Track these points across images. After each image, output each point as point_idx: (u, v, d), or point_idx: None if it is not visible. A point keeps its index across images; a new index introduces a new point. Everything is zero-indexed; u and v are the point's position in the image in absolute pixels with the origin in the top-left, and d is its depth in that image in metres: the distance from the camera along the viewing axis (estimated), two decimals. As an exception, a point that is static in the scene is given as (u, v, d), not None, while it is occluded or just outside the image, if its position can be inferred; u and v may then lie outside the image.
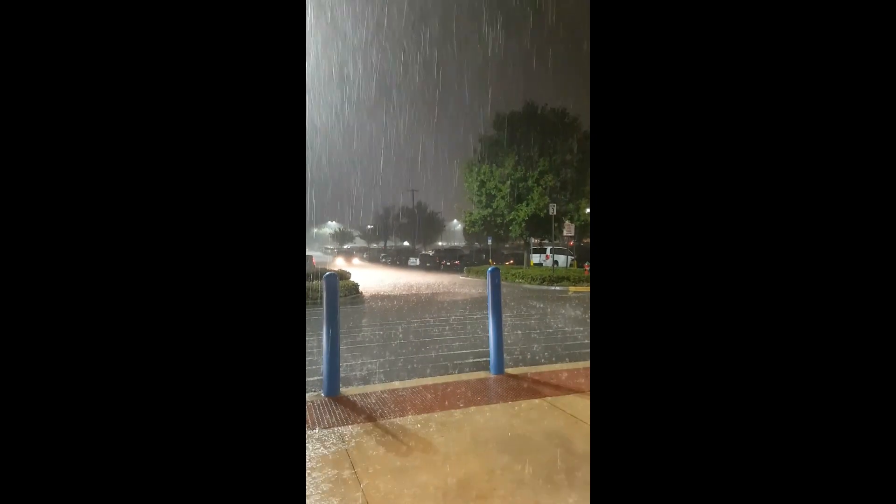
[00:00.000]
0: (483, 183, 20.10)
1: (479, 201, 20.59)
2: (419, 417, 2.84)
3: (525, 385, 3.47)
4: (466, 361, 4.80)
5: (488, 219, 20.35)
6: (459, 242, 56.28)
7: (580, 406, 3.00)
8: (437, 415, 2.88)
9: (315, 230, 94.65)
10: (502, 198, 19.62)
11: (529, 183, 19.23)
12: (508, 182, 19.30)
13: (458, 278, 18.93)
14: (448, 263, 26.52)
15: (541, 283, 14.53)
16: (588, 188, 20.40)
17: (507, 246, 31.43)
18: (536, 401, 3.12)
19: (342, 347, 4.73)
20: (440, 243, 56.95)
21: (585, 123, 20.74)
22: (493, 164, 20.02)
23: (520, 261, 23.48)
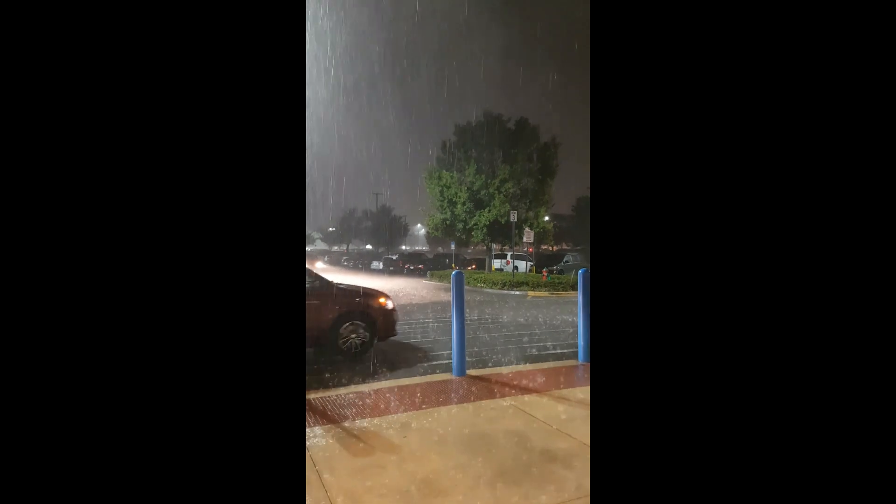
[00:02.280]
0: (444, 188, 20.33)
1: (441, 206, 20.80)
2: (382, 419, 2.88)
3: (486, 386, 3.58)
4: (430, 363, 4.86)
5: (449, 223, 20.58)
6: (423, 247, 56.21)
7: (538, 406, 3.13)
8: (399, 416, 2.93)
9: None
10: (462, 203, 19.91)
11: (491, 190, 19.60)
12: (465, 188, 19.63)
13: (422, 282, 18.94)
14: (411, 267, 26.45)
15: (501, 288, 14.81)
16: (546, 197, 21.01)
17: (469, 251, 31.78)
18: (497, 401, 3.23)
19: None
20: (404, 247, 56.64)
21: (545, 134, 21.34)
22: (455, 171, 20.30)
23: (482, 266, 23.79)
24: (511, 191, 19.67)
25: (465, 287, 13.54)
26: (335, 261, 42.25)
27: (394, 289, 15.54)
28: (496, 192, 19.53)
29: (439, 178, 20.45)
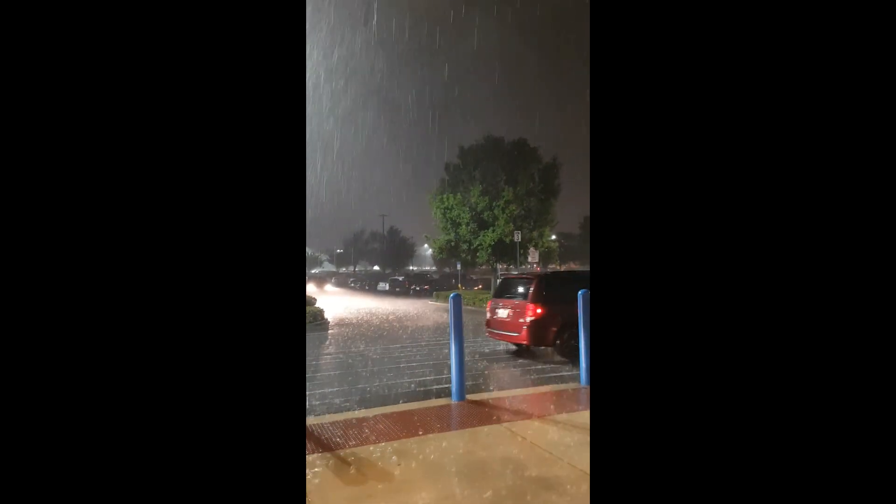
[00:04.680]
0: (448, 210, 20.47)
1: (445, 228, 20.92)
2: (378, 446, 2.83)
3: (485, 411, 3.52)
4: (430, 388, 4.80)
5: (454, 244, 20.64)
6: (430, 267, 56.25)
7: (537, 431, 3.07)
8: (395, 443, 2.88)
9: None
10: (466, 224, 20.01)
11: (495, 211, 19.70)
12: (467, 209, 19.75)
13: (428, 303, 18.88)
14: (417, 288, 26.43)
15: (508, 309, 14.69)
16: (550, 217, 21.09)
17: (476, 271, 31.73)
18: (495, 426, 3.17)
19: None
20: (411, 268, 56.74)
21: (546, 154, 21.51)
22: (458, 192, 20.48)
23: (488, 286, 23.70)
24: (515, 212, 19.76)
25: (471, 308, 13.32)
26: (342, 282, 42.35)
27: (397, 311, 15.48)
28: (500, 212, 19.62)
29: (442, 200, 20.63)
